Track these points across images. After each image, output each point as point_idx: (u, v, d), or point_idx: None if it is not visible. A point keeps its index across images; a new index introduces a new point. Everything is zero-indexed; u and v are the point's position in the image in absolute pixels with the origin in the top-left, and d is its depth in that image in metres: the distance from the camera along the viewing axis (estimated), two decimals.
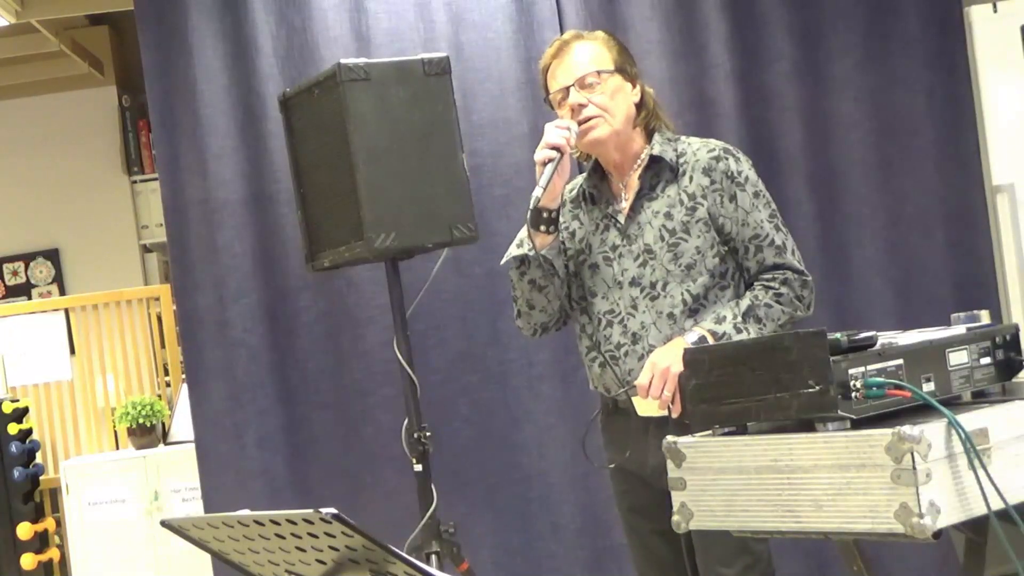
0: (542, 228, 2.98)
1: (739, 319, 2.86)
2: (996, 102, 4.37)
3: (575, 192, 3.15)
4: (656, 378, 2.81)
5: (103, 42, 6.80)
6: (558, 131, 2.93)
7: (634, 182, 3.02)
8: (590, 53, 3.01)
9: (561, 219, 3.08)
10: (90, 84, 6.77)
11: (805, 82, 4.30)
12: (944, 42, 4.32)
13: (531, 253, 3.00)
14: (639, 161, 3.03)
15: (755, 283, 2.95)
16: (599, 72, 2.97)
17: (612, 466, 3.08)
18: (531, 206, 2.90)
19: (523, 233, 3.03)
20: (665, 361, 2.81)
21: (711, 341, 2.82)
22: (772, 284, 2.92)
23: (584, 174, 3.15)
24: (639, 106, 3.03)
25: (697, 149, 3.01)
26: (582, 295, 3.07)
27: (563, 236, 3.10)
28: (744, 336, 2.84)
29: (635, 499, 3.07)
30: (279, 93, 3.76)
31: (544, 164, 2.91)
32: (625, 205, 3.02)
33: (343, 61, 3.38)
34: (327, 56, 4.20)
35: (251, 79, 4.28)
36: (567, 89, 2.98)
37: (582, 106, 2.96)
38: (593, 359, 3.04)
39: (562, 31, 4.23)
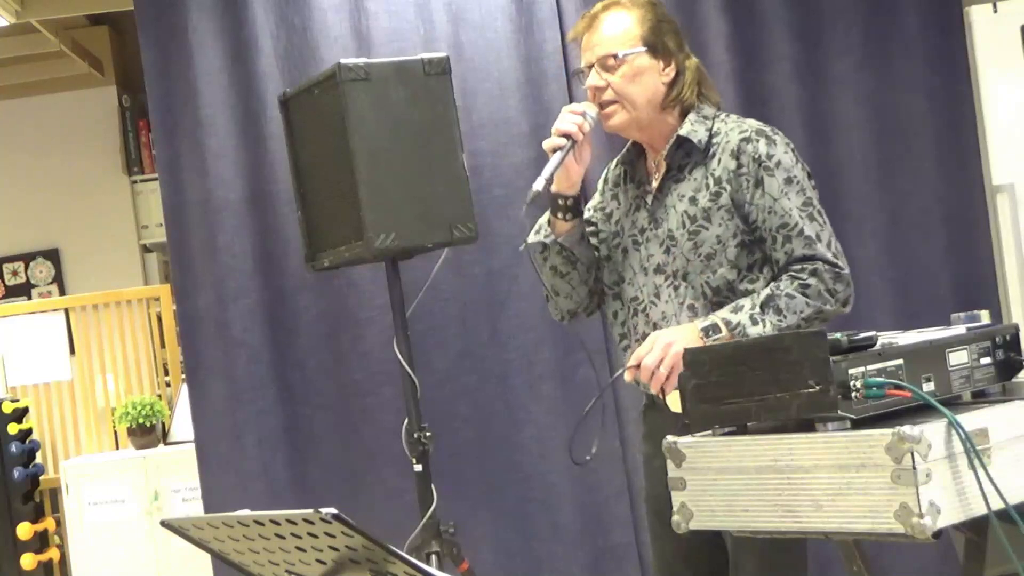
0: (559, 215, 2.89)
1: (756, 309, 2.68)
2: (996, 102, 4.37)
3: (616, 170, 3.03)
4: (653, 351, 2.64)
5: (103, 42, 6.80)
6: (571, 117, 2.80)
7: (664, 162, 2.88)
8: (617, 29, 2.83)
9: (600, 200, 3.00)
10: (90, 84, 6.77)
11: (805, 82, 4.30)
12: (944, 42, 4.32)
13: (548, 240, 2.91)
14: (669, 141, 2.87)
15: (782, 275, 2.74)
16: (617, 55, 2.80)
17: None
18: (527, 199, 2.73)
19: (544, 218, 2.95)
20: (667, 337, 2.65)
21: (724, 330, 2.68)
22: (800, 275, 2.71)
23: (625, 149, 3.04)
24: (672, 84, 2.85)
25: (730, 129, 2.82)
26: (616, 279, 2.95)
27: (598, 217, 3.00)
28: (760, 327, 2.67)
29: (659, 502, 2.89)
30: (279, 93, 3.76)
31: (553, 151, 2.79)
32: (655, 186, 2.89)
33: (343, 61, 3.38)
34: (327, 56, 4.20)
35: (251, 79, 4.28)
36: (589, 68, 2.86)
37: (600, 89, 2.84)
38: (625, 348, 2.93)
39: (562, 31, 4.24)
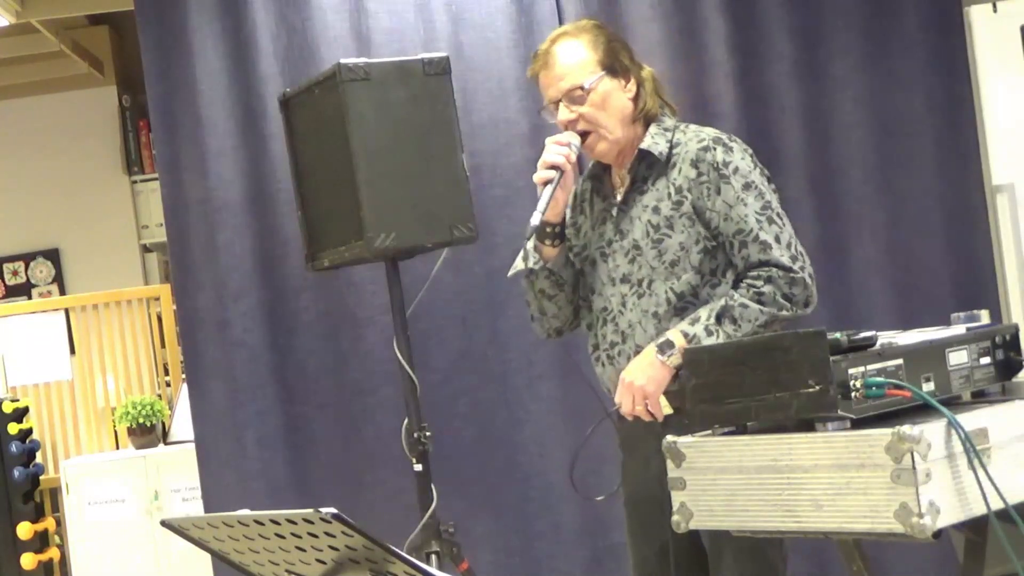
0: (547, 242, 2.97)
1: (712, 320, 2.77)
2: (996, 102, 4.37)
3: (583, 185, 3.10)
4: (624, 395, 2.82)
5: (103, 42, 6.80)
6: (557, 148, 2.87)
7: (628, 175, 2.97)
8: (574, 59, 2.91)
9: (568, 216, 3.05)
10: (90, 84, 6.77)
11: (805, 82, 4.30)
12: (944, 42, 4.31)
13: (536, 267, 2.98)
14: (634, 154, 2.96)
15: (740, 282, 2.82)
16: (583, 86, 2.88)
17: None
18: (527, 234, 2.85)
19: (529, 244, 3.00)
20: (629, 376, 2.81)
21: (681, 343, 2.75)
22: (756, 283, 2.78)
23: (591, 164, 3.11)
24: (636, 98, 2.94)
25: (689, 139, 2.90)
26: (587, 292, 3.04)
27: (570, 232, 3.07)
28: (715, 338, 2.75)
29: (636, 504, 3.02)
30: (279, 93, 3.76)
31: (544, 184, 2.86)
32: (619, 199, 2.98)
33: (343, 61, 3.38)
34: (327, 56, 4.19)
35: (251, 79, 4.28)
36: (556, 104, 2.93)
37: (573, 122, 2.91)
38: (596, 358, 3.02)
39: None
